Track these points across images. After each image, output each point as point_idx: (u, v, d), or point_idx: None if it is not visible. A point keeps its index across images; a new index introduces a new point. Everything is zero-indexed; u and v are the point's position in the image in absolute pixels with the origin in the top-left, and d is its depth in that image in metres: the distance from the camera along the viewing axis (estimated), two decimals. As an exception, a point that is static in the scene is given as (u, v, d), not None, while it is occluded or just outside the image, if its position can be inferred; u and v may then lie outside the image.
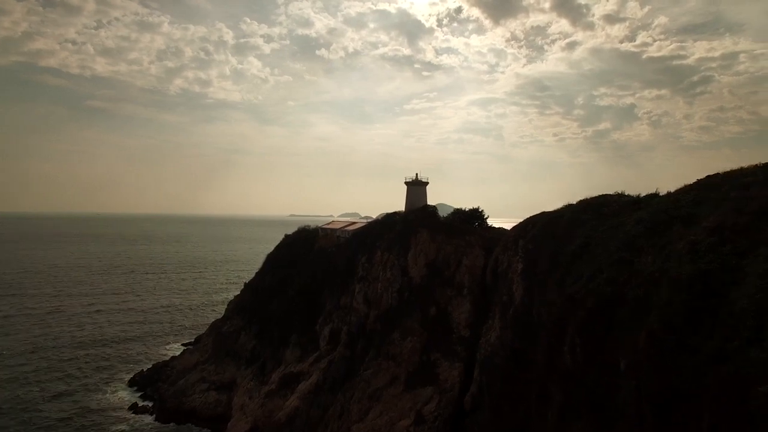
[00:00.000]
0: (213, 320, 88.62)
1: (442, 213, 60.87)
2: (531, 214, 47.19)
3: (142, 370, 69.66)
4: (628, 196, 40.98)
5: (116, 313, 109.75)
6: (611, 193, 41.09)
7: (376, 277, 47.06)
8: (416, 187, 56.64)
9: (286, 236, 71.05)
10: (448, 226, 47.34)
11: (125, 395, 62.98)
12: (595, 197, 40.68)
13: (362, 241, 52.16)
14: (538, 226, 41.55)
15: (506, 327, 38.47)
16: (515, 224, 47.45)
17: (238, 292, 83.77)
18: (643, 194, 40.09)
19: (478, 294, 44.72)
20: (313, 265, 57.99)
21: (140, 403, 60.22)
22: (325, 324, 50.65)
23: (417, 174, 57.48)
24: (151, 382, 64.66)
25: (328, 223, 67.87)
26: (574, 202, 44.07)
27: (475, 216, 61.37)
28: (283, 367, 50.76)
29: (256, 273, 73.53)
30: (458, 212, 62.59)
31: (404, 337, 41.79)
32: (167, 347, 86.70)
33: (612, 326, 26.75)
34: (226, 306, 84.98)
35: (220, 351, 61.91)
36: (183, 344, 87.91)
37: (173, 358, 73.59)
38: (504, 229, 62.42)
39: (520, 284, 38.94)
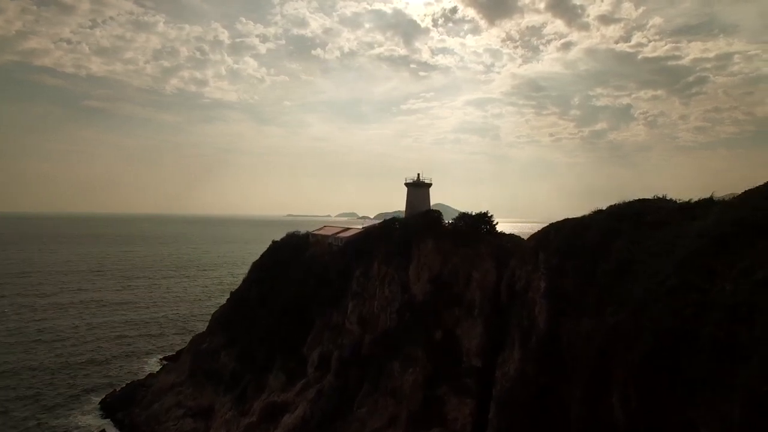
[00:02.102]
0: (198, 332, 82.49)
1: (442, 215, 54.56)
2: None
3: (115, 389, 63.11)
4: (671, 201, 34.65)
5: (99, 321, 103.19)
6: (650, 197, 34.81)
7: (373, 293, 40.63)
8: (418, 189, 50.16)
9: (274, 242, 64.52)
10: (456, 233, 40.91)
11: (94, 420, 56.38)
12: (631, 203, 34.35)
13: (357, 251, 45.72)
14: (562, 235, 35.11)
15: (528, 358, 32.05)
16: (534, 233, 41.08)
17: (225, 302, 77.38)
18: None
19: (491, 314, 38.33)
20: (301, 276, 51.51)
21: (109, 431, 53.76)
22: (314, 346, 44.20)
23: (419, 174, 50.94)
24: (124, 405, 58.11)
25: (320, 228, 61.50)
26: (603, 208, 37.84)
27: (484, 221, 54.99)
28: (266, 395, 44.31)
29: (242, 282, 67.06)
30: (464, 217, 56.14)
31: (405, 367, 35.36)
32: (148, 361, 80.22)
33: (680, 374, 20.24)
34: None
35: (198, 371, 55.44)
36: (165, 357, 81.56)
37: (150, 375, 67.13)
38: (516, 236, 56.02)
39: (543, 307, 32.53)
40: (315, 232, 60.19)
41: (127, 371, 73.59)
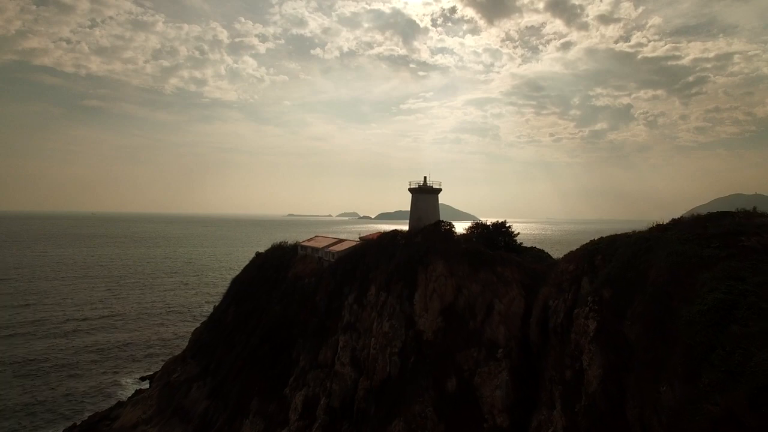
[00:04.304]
0: (181, 348, 74.70)
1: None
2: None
3: (75, 424, 55.09)
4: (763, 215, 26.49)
5: (77, 336, 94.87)
6: (735, 210, 26.72)
7: (369, 327, 32.55)
8: (425, 196, 41.97)
9: (258, 255, 56.53)
10: (473, 253, 32.75)
11: (45, 463, 48.54)
12: (714, 216, 26.25)
13: (350, 271, 37.66)
14: (616, 259, 27.04)
15: (577, 428, 23.99)
16: (571, 252, 32.96)
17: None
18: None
19: (518, 357, 30.34)
20: (285, 299, 43.48)
21: (60, 477, 45.89)
22: (298, 388, 36.12)
23: (425, 178, 42.74)
24: (82, 443, 50.20)
25: (310, 239, 53.46)
26: (663, 221, 29.90)
27: (501, 232, 46.83)
28: (239, 447, 36.30)
29: (222, 299, 59.00)
30: (478, 227, 48.01)
31: (410, 428, 27.28)
32: (123, 383, 72.16)
33: None
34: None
35: (166, 407, 47.45)
36: (143, 377, 73.76)
37: (119, 404, 59.12)
38: (542, 251, 47.87)
39: (595, 357, 24.41)
40: (304, 244, 52.13)
41: (96, 396, 65.49)
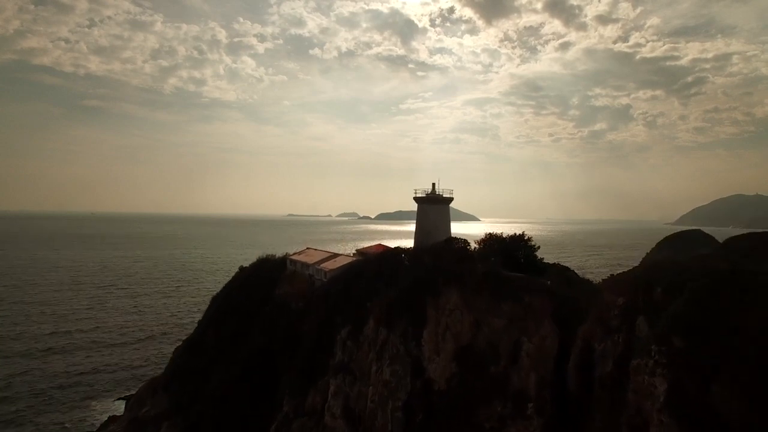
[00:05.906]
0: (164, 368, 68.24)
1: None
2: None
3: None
4: None
5: (52, 351, 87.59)
6: None
7: (366, 371, 26.36)
8: (433, 207, 35.55)
9: (241, 269, 50.27)
10: (495, 279, 26.53)
11: None
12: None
13: (344, 296, 31.42)
14: (688, 296, 20.82)
15: None
16: (614, 277, 26.79)
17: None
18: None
19: (553, 413, 24.25)
20: (269, 326, 37.27)
21: None
22: (281, 439, 29.98)
23: (434, 184, 36.30)
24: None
25: (300, 252, 47.23)
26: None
27: (520, 245, 40.61)
28: None
29: (203, 316, 52.71)
30: (493, 240, 41.70)
31: None
32: (99, 408, 65.73)
33: None
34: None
35: (134, 447, 41.29)
36: (123, 398, 67.52)
37: (88, 435, 53.03)
38: (566, 268, 41.65)
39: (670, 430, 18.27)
40: (294, 257, 45.92)
41: (71, 422, 59.39)
